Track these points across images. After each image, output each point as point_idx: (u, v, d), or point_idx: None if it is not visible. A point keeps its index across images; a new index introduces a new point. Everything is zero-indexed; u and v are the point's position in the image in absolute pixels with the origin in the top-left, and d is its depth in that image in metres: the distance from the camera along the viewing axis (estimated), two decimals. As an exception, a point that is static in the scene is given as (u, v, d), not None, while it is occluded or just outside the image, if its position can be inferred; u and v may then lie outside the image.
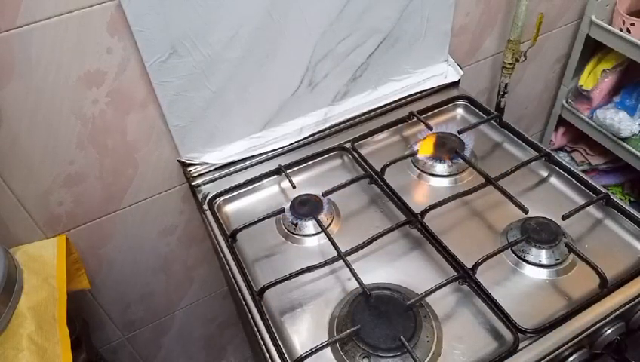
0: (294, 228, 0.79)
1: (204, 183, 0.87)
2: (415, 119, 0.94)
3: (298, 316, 0.69)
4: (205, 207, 0.84)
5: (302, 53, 0.85)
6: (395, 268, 0.73)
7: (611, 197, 0.77)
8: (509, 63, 1.06)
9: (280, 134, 0.91)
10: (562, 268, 0.70)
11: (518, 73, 1.11)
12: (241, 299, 0.70)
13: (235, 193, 0.87)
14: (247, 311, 0.68)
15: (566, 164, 0.83)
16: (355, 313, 0.65)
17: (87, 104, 0.74)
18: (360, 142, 0.92)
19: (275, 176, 0.89)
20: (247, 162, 0.89)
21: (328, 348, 0.63)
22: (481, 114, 0.97)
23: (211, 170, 0.88)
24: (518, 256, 0.71)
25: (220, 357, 1.36)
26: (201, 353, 1.31)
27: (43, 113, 0.72)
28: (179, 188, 0.93)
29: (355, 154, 0.89)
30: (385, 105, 0.97)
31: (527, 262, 0.71)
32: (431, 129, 0.89)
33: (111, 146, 0.80)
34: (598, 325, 0.64)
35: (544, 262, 0.70)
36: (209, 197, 0.85)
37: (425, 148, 0.87)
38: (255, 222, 0.78)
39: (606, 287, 0.65)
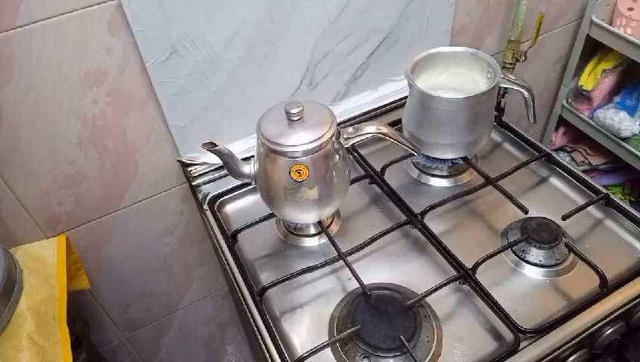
0: (294, 229, 0.79)
1: (205, 183, 0.87)
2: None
3: (298, 316, 0.69)
4: (205, 207, 0.84)
5: (302, 53, 0.85)
6: (395, 268, 0.73)
7: (611, 197, 0.77)
8: (510, 63, 1.06)
9: (280, 134, 0.91)
10: (562, 268, 0.70)
11: (519, 73, 1.11)
12: (241, 299, 0.70)
13: (235, 193, 0.87)
14: (247, 311, 0.68)
15: (566, 164, 0.83)
16: (355, 313, 0.65)
17: (87, 104, 0.74)
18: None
19: (275, 176, 0.89)
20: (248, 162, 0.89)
21: (328, 348, 0.63)
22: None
23: (211, 170, 0.88)
24: (518, 256, 0.72)
25: (220, 357, 1.36)
26: (201, 353, 1.31)
27: (43, 113, 0.72)
28: (179, 188, 0.93)
29: (356, 154, 0.89)
30: (385, 105, 0.97)
31: (527, 262, 0.71)
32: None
33: (111, 146, 0.80)
34: (598, 325, 0.64)
35: (544, 262, 0.70)
36: (209, 197, 0.85)
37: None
38: (255, 223, 0.78)
39: (606, 287, 0.65)
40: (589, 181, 0.80)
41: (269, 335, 0.64)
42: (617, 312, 0.64)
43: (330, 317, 0.68)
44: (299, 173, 0.64)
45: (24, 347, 0.63)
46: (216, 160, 0.87)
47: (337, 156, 0.67)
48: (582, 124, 1.29)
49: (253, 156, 0.71)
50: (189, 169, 0.87)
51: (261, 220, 0.78)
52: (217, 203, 0.85)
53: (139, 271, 1.01)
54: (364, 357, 0.61)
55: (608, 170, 1.39)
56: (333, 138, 0.65)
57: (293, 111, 0.63)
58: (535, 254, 0.71)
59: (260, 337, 0.64)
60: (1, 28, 0.62)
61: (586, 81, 1.23)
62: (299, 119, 0.64)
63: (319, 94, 0.91)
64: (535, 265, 0.70)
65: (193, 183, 0.87)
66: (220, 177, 0.88)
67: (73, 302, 0.74)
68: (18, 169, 0.75)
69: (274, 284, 0.69)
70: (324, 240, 0.77)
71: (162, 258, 1.02)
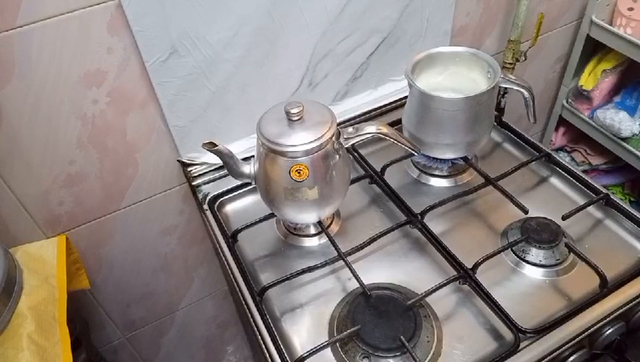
0: (294, 229, 0.79)
1: (204, 183, 0.87)
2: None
3: (298, 316, 0.69)
4: (205, 207, 0.84)
5: (302, 53, 0.85)
6: (395, 268, 0.73)
7: (611, 197, 0.77)
8: (510, 63, 1.06)
9: (280, 134, 0.91)
10: (562, 268, 0.70)
11: (519, 73, 1.11)
12: (241, 299, 0.70)
13: (235, 193, 0.87)
14: (247, 311, 0.68)
15: (566, 164, 0.84)
16: (356, 313, 0.65)
17: (87, 104, 0.74)
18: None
19: (275, 176, 0.89)
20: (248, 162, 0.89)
21: (328, 348, 0.63)
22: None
23: (211, 170, 0.88)
24: (518, 256, 0.72)
25: (220, 357, 1.36)
26: (201, 353, 1.30)
27: (43, 113, 0.72)
28: (179, 188, 0.93)
29: (356, 154, 0.89)
30: (385, 105, 0.97)
31: (527, 262, 0.71)
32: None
33: (111, 146, 0.80)
34: (598, 325, 0.64)
35: (544, 262, 0.70)
36: (209, 197, 0.85)
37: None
38: (255, 223, 0.78)
39: (606, 287, 0.65)
40: (589, 181, 0.80)
41: (269, 335, 0.64)
42: (617, 312, 0.64)
43: (330, 317, 0.68)
44: (299, 173, 0.64)
45: (24, 347, 0.63)
46: (216, 160, 0.87)
47: (337, 156, 0.67)
48: (582, 124, 1.29)
49: (253, 156, 0.71)
50: (189, 169, 0.87)
51: (261, 220, 0.78)
52: (217, 203, 0.85)
53: (139, 271, 1.01)
54: (364, 357, 0.61)
55: (608, 170, 1.39)
56: (333, 138, 0.65)
57: (293, 111, 0.63)
58: (535, 254, 0.71)
59: (260, 337, 0.64)
60: (1, 28, 0.62)
61: (586, 81, 1.23)
62: (299, 119, 0.64)
63: (319, 94, 0.91)
64: (535, 265, 0.70)
65: (193, 183, 0.87)
66: (220, 177, 0.88)
67: (73, 302, 0.74)
68: (18, 169, 0.75)
69: (274, 284, 0.69)
70: (324, 240, 0.77)
71: (162, 258, 1.02)
